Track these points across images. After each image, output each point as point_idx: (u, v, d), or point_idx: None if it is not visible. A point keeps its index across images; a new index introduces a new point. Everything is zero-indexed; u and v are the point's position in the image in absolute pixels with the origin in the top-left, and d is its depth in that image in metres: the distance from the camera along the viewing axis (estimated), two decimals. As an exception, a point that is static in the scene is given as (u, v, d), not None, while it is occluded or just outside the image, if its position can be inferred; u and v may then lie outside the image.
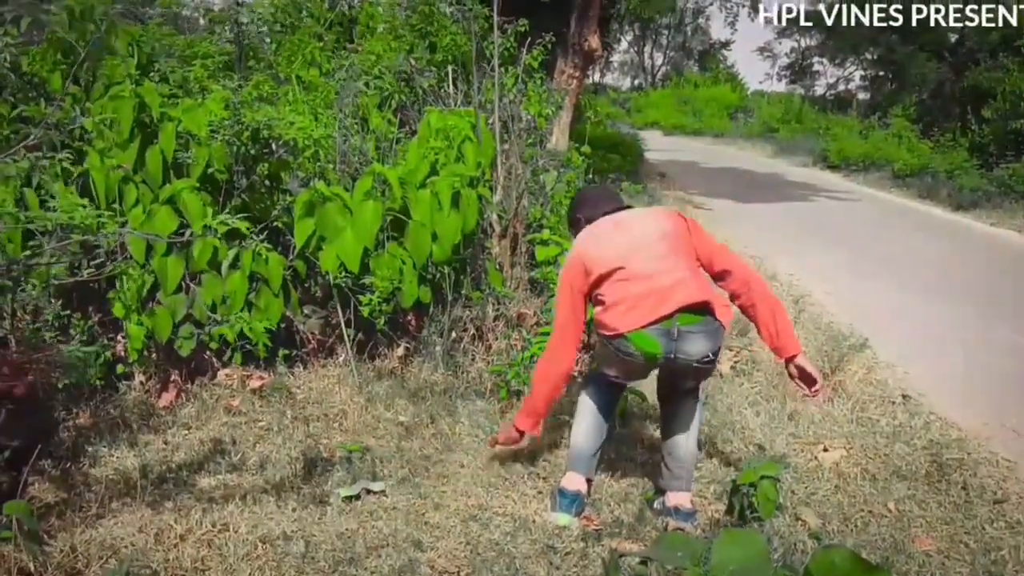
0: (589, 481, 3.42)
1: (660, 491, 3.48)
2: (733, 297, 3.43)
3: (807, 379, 3.43)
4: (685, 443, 3.41)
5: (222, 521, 3.14)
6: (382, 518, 3.27)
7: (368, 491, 3.45)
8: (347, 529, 3.15)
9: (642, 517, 3.35)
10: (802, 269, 8.12)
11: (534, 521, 3.27)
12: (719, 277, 3.42)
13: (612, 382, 3.47)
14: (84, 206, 3.01)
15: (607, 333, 3.22)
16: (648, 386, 4.49)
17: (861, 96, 35.36)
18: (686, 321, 3.12)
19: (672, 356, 3.13)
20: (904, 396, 4.84)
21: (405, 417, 4.20)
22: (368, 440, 3.95)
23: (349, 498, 3.39)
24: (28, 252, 3.57)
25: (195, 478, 3.52)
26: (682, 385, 3.42)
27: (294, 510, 3.28)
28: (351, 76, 4.99)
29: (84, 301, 4.22)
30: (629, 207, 3.58)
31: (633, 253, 3.26)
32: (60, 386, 3.85)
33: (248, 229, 4.01)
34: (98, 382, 4.05)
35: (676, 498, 3.38)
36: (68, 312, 4.07)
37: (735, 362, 5.17)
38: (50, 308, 3.94)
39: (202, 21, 5.89)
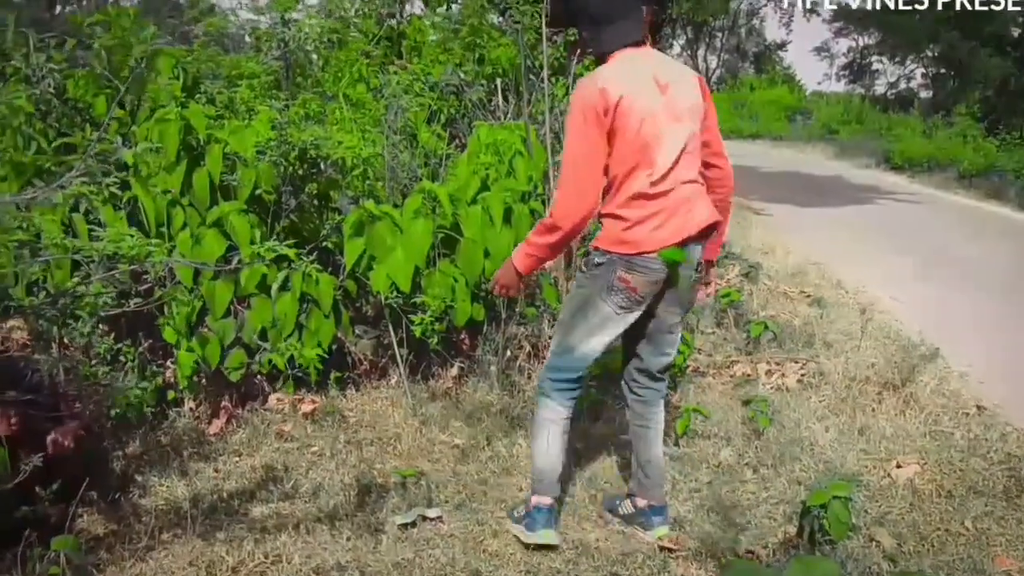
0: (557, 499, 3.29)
1: (629, 496, 3.40)
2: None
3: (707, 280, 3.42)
4: (659, 448, 3.30)
5: (275, 552, 3.08)
6: (439, 546, 3.17)
7: (424, 518, 3.35)
8: (403, 559, 3.06)
9: (711, 540, 3.21)
10: (868, 275, 7.88)
11: (597, 547, 3.17)
12: (704, 164, 3.12)
13: (576, 379, 3.18)
14: (132, 235, 2.96)
15: (629, 251, 2.93)
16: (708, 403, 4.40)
17: (923, 94, 34.68)
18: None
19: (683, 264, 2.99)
20: (979, 407, 4.65)
21: (461, 439, 4.11)
22: (423, 464, 3.86)
23: (404, 525, 3.30)
24: (76, 280, 3.54)
25: (247, 507, 3.45)
26: (666, 315, 3.12)
27: (348, 539, 3.20)
28: (398, 92, 4.92)
29: (133, 328, 4.20)
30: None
31: (665, 131, 2.92)
32: (112, 414, 3.83)
33: (296, 254, 3.95)
34: (149, 410, 4.01)
35: (650, 497, 3.31)
36: (119, 344, 4.04)
37: (802, 375, 5.00)
38: (100, 339, 3.91)
39: (248, 39, 5.88)
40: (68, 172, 3.06)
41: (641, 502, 3.30)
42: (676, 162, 2.92)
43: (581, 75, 6.20)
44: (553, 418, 3.17)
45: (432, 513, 3.38)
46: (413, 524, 3.32)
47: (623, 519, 3.37)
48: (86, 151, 3.28)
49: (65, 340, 3.83)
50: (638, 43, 3.01)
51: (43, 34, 3.51)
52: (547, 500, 3.18)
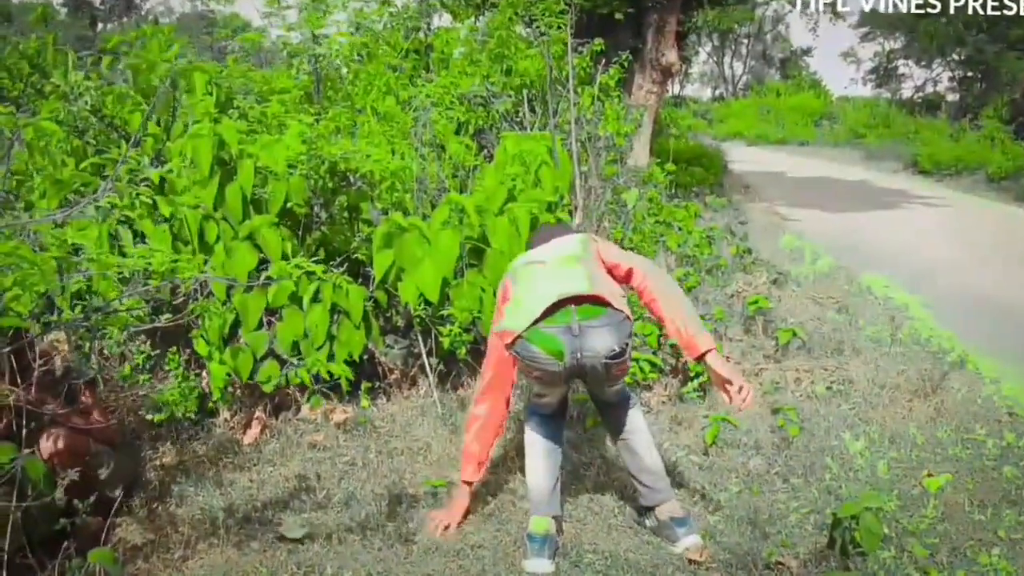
0: (557, 518, 3.29)
1: (647, 509, 3.40)
2: (639, 296, 3.28)
3: (723, 383, 3.14)
4: (649, 454, 3.36)
5: (307, 562, 3.11)
6: (469, 556, 3.20)
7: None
8: (433, 569, 3.09)
9: (741, 551, 3.20)
10: (897, 281, 7.83)
11: (627, 558, 3.17)
12: (626, 281, 3.31)
13: (550, 412, 3.41)
14: (161, 250, 3.01)
15: (508, 341, 3.10)
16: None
17: (950, 98, 34.38)
18: (585, 314, 3.01)
19: (579, 356, 2.98)
20: (1011, 414, 4.58)
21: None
22: (452, 474, 3.87)
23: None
24: (116, 293, 3.60)
25: (280, 516, 3.49)
26: (606, 393, 3.34)
27: (379, 549, 3.24)
28: (427, 105, 4.96)
29: (170, 339, 4.26)
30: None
31: (540, 274, 3.24)
32: (154, 420, 3.90)
33: (324, 270, 4.00)
34: (191, 416, 4.10)
35: (667, 509, 3.31)
36: (156, 352, 4.10)
37: (831, 382, 4.97)
38: (137, 350, 3.97)
39: (283, 54, 5.94)
40: (100, 189, 3.12)
41: (663, 514, 3.31)
42: (552, 269, 3.23)
43: (606, 85, 6.25)
44: (533, 440, 3.38)
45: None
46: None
47: (651, 531, 3.38)
48: (114, 174, 3.34)
49: (105, 352, 3.89)
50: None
51: (83, 52, 3.60)
52: (541, 526, 3.19)
